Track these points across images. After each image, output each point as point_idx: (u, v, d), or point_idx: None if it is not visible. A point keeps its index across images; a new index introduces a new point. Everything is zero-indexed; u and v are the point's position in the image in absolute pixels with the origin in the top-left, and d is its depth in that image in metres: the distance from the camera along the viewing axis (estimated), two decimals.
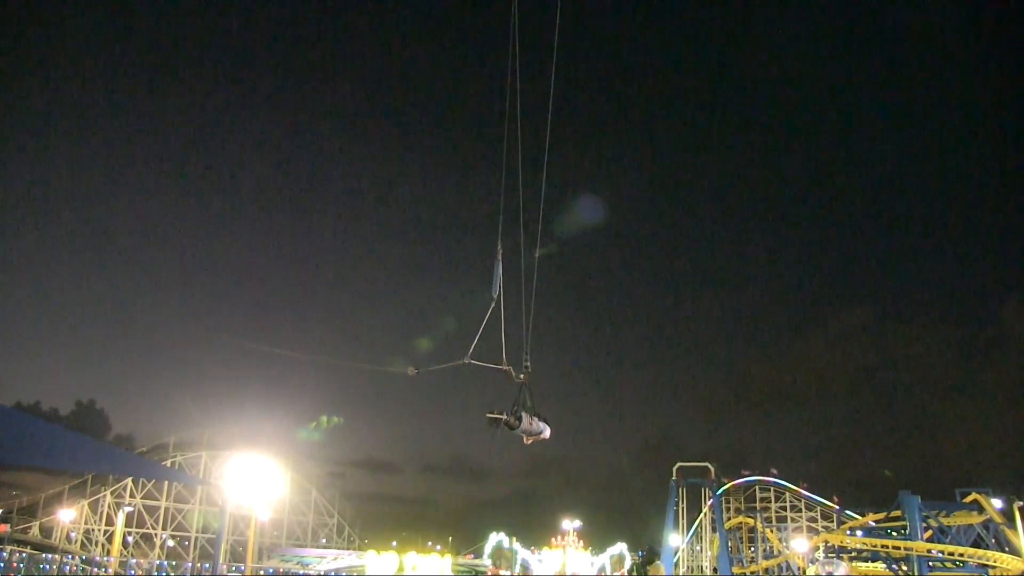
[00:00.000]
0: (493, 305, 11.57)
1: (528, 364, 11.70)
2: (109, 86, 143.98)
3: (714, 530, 67.35)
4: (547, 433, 11.73)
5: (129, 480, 64.29)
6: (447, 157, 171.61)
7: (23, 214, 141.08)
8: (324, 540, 74.70)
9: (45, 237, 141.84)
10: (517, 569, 59.65)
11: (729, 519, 73.48)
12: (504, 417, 11.18)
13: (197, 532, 68.84)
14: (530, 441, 11.62)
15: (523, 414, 11.33)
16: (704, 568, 71.83)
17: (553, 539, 66.40)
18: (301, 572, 48.92)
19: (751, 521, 74.21)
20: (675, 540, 64.38)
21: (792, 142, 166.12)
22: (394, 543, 69.59)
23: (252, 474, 36.87)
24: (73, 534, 62.74)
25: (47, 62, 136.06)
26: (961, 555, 51.24)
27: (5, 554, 53.47)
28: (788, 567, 65.83)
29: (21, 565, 53.84)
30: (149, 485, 67.24)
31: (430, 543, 75.01)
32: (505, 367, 11.59)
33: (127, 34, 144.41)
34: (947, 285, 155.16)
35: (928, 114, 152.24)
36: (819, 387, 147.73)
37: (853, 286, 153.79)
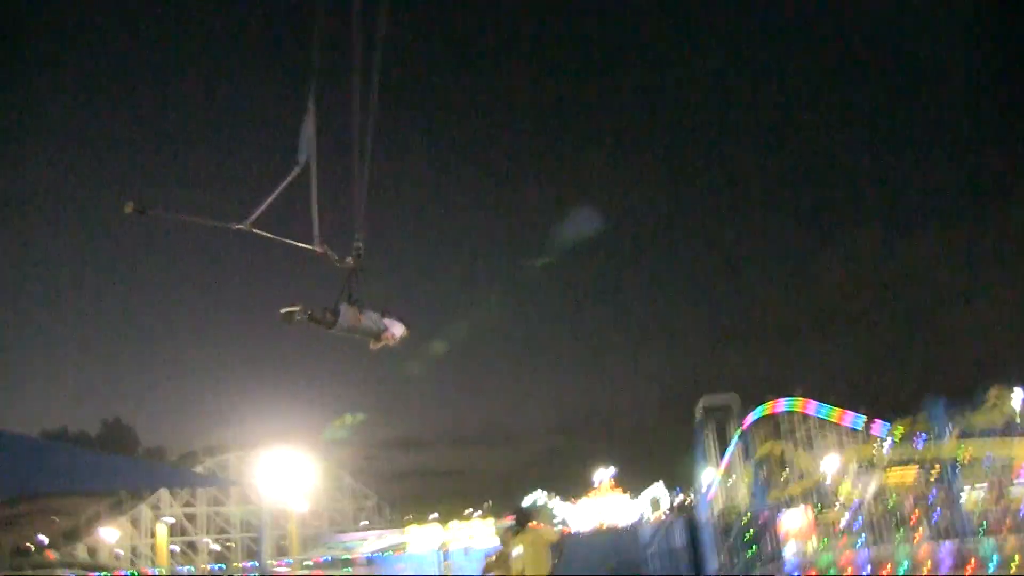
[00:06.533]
0: (298, 171, 8.94)
1: (360, 245, 9.21)
2: (120, 94, 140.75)
3: (745, 461, 67.84)
4: (397, 331, 9.38)
5: (164, 491, 64.96)
6: None
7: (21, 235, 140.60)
8: (366, 522, 75.49)
9: (46, 262, 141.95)
10: (556, 525, 60.22)
11: (759, 448, 74.02)
12: (296, 309, 8.69)
13: (240, 533, 69.75)
14: (377, 346, 9.33)
15: (342, 307, 8.98)
16: (739, 499, 72.33)
17: (589, 489, 67.07)
18: (348, 556, 49.56)
19: (780, 446, 74.68)
20: (708, 476, 64.98)
21: (785, 57, 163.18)
22: (435, 515, 70.33)
23: (284, 469, 37.41)
24: (120, 551, 63.65)
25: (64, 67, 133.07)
26: (987, 452, 51.62)
27: None
28: (821, 487, 66.41)
29: None
30: (185, 494, 67.98)
31: (469, 510, 75.76)
32: (319, 248, 9.01)
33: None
34: (951, 190, 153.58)
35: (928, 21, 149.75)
36: (834, 309, 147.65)
37: (858, 204, 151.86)
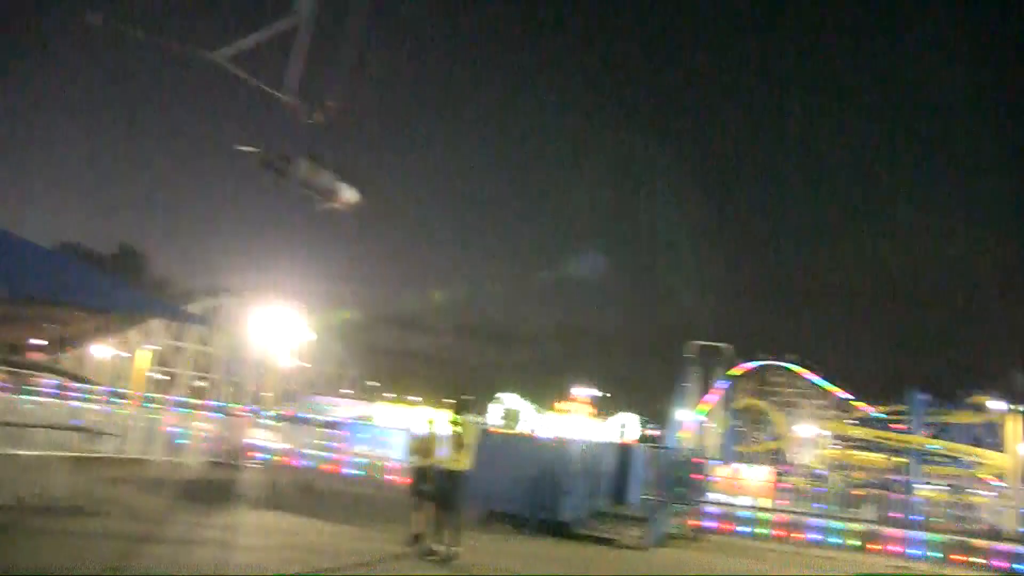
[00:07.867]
0: (292, 20, 8.42)
1: (332, 104, 8.64)
2: None
3: (724, 409, 68.32)
4: (348, 195, 9.04)
5: (157, 321, 65.89)
6: None
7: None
8: (347, 391, 76.71)
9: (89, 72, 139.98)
10: (521, 428, 61.02)
11: (741, 400, 74.26)
12: (257, 151, 8.33)
13: (220, 374, 71.19)
14: (325, 206, 9.03)
15: (301, 160, 8.57)
16: (709, 444, 73.11)
17: (558, 402, 67.84)
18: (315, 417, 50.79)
19: (761, 404, 75.01)
20: (683, 415, 65.74)
21: None
22: (416, 398, 71.25)
23: (275, 322, 37.72)
24: (102, 367, 65.05)
25: None
26: (953, 451, 53.88)
27: (43, 380, 55.83)
28: (787, 450, 67.36)
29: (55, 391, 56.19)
30: (175, 327, 68.87)
31: (445, 399, 76.28)
32: (286, 97, 8.31)
33: None
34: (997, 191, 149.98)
35: None
36: (856, 284, 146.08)
37: (906, 183, 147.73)
